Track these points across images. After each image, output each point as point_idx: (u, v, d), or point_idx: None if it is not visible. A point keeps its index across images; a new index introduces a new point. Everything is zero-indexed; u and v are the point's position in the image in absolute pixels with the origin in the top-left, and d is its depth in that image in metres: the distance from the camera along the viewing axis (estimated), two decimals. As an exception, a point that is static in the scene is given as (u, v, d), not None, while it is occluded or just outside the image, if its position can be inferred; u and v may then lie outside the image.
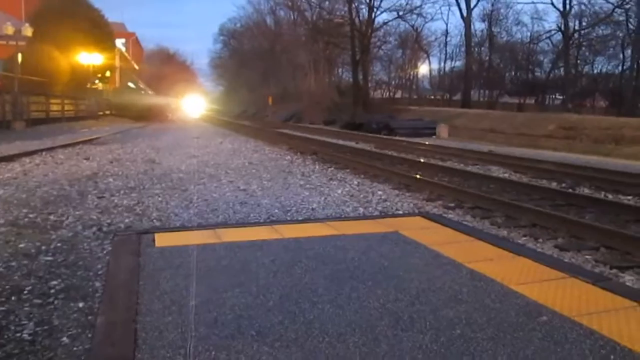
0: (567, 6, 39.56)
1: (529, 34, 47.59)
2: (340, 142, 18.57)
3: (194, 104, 49.92)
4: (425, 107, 38.97)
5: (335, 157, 12.04)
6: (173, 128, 25.69)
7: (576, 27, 41.10)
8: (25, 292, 3.45)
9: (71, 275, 3.81)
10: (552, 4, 40.51)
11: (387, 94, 56.81)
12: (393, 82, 57.50)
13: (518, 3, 50.02)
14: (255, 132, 21.96)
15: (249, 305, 3.19)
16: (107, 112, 34.63)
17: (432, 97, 55.61)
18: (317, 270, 3.86)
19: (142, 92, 55.74)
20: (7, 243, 4.52)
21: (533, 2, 44.59)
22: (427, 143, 18.07)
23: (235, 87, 67.05)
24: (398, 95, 56.62)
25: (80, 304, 3.29)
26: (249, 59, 61.06)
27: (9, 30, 20.87)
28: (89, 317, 3.10)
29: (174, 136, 19.01)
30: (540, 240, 5.37)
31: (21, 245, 4.46)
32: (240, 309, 3.14)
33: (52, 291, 3.49)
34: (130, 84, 56.53)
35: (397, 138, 21.11)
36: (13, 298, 3.33)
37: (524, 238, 5.45)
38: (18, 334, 2.84)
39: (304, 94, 47.68)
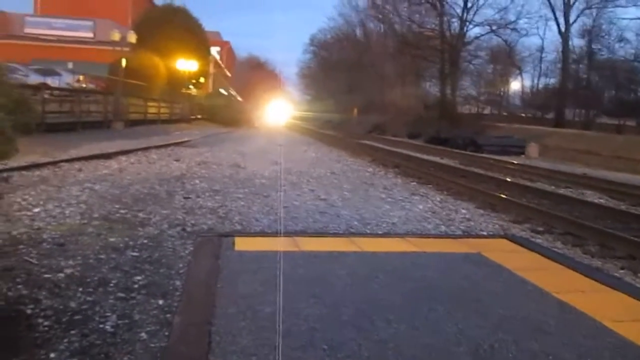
0: (679, 22, 36.76)
1: (632, 51, 44.60)
2: (424, 156, 18.23)
3: (280, 112, 51.03)
4: (514, 124, 37.50)
5: (419, 172, 11.81)
6: (259, 134, 26.36)
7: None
8: (111, 284, 3.61)
9: (154, 272, 3.95)
10: (662, 20, 37.81)
11: (475, 109, 55.26)
12: (482, 98, 55.84)
13: (623, 19, 46.90)
14: (339, 142, 22.06)
15: (323, 318, 3.14)
16: (199, 116, 36.15)
17: (523, 114, 53.43)
18: (394, 287, 3.75)
19: (232, 98, 57.81)
20: (99, 236, 4.77)
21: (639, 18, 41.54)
22: (515, 162, 17.34)
23: (322, 97, 67.86)
24: (487, 111, 54.86)
25: (160, 301, 3.38)
26: (336, 70, 61.62)
27: (116, 36, 22.40)
28: (167, 315, 3.17)
29: (259, 142, 19.49)
30: (640, 274, 4.95)
31: (111, 240, 4.69)
32: (313, 320, 3.10)
33: (136, 286, 3.62)
34: (222, 90, 58.77)
35: (483, 155, 20.44)
36: (100, 289, 3.49)
37: (621, 271, 5.04)
38: (101, 325, 2.95)
39: (389, 105, 47.39)
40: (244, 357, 2.61)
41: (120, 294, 3.44)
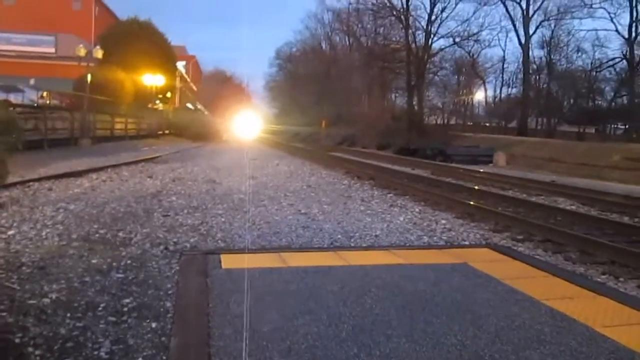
0: (633, 33, 38.17)
1: (589, 61, 46.13)
2: (396, 167, 18.39)
3: (248, 126, 50.84)
4: (480, 134, 38.25)
5: (393, 183, 11.88)
6: (229, 149, 26.17)
7: (642, 55, 39.52)
8: (100, 308, 3.50)
9: (142, 293, 3.85)
10: (617, 31, 39.25)
11: (442, 120, 56.20)
12: (447, 108, 56.87)
13: (580, 30, 48.60)
14: (310, 155, 22.06)
15: (322, 335, 3.11)
16: (167, 131, 35.70)
17: (487, 124, 54.59)
18: (388, 301, 3.75)
19: (200, 112, 57.33)
20: (81, 258, 4.63)
21: (597, 30, 43.11)
22: (484, 171, 17.65)
23: (289, 110, 68.00)
24: (452, 121, 55.89)
25: (153, 324, 3.29)
26: (303, 83, 61.92)
27: (82, 52, 21.97)
28: (162, 338, 3.09)
29: (231, 157, 19.34)
30: (622, 279, 5.05)
31: (94, 261, 4.56)
32: (313, 338, 3.06)
33: (125, 309, 3.51)
34: (189, 105, 58.28)
35: (453, 165, 20.73)
36: (89, 314, 3.38)
37: (603, 276, 5.15)
38: (95, 352, 2.85)
39: (357, 117, 47.74)
40: (248, 379, 2.56)
41: (111, 318, 3.34)
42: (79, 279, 4.04)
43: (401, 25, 41.35)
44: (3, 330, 3.02)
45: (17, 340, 2.91)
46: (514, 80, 51.30)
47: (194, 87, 67.30)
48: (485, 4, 40.71)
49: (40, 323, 3.17)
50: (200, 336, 3.07)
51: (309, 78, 61.10)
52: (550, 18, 42.82)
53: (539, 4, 41.26)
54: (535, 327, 3.35)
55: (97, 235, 5.55)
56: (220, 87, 64.34)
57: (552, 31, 45.18)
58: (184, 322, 3.33)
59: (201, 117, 50.35)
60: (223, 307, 3.52)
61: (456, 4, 39.73)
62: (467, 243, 6.15)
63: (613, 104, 46.07)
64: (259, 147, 29.54)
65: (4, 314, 3.27)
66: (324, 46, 63.89)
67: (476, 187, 12.19)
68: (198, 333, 3.13)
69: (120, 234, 5.66)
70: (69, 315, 3.33)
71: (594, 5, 39.03)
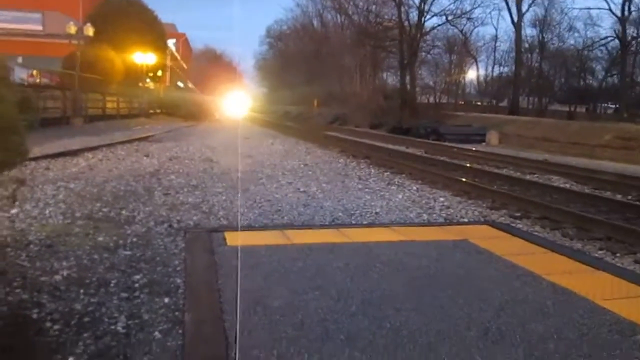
0: (626, 12, 38.21)
1: (581, 40, 46.17)
2: (390, 146, 18.44)
3: (239, 105, 50.55)
4: (472, 112, 38.36)
5: (389, 162, 11.95)
6: (222, 128, 26.08)
7: (634, 34, 39.63)
8: (112, 285, 3.54)
9: (151, 270, 3.89)
10: (610, 10, 39.25)
11: (433, 98, 56.21)
12: (439, 87, 56.84)
13: (573, 9, 48.50)
14: (303, 134, 22.04)
15: (332, 309, 3.19)
16: (158, 110, 35.42)
17: (479, 102, 54.70)
18: (393, 276, 3.83)
19: (191, 92, 56.85)
20: (87, 236, 4.66)
21: (589, 9, 43.03)
22: (478, 150, 17.76)
23: (279, 89, 67.63)
24: (444, 100, 55.91)
25: (166, 300, 3.34)
26: (294, 61, 61.49)
27: (72, 29, 21.62)
28: (176, 313, 3.15)
29: (224, 136, 19.29)
30: (619, 254, 5.18)
31: (100, 239, 4.59)
32: (323, 312, 3.14)
33: (137, 285, 3.56)
34: (180, 84, 57.76)
35: (446, 144, 20.83)
36: (101, 290, 3.43)
37: (600, 252, 5.27)
38: (112, 327, 2.91)
39: (349, 96, 47.63)
40: (265, 351, 2.63)
41: (124, 294, 3.39)
42: (87, 257, 4.08)
43: (394, 3, 41.03)
44: (19, 306, 3.07)
45: (34, 316, 2.96)
46: (506, 59, 51.35)
47: (185, 66, 66.64)
48: (478, -18, 40.46)
49: (54, 299, 3.22)
50: (213, 311, 3.14)
51: (299, 56, 60.67)
52: (543, -4, 42.67)
53: (532, -19, 41.07)
54: (538, 300, 3.45)
55: (100, 213, 5.57)
56: (211, 65, 63.79)
57: (545, 9, 45.13)
58: (196, 298, 3.39)
59: (192, 96, 49.95)
60: (233, 283, 3.58)
61: (449, -18, 39.47)
62: (466, 220, 6.25)
63: (604, 83, 46.30)
64: (251, 126, 29.46)
65: (18, 290, 3.31)
66: (315, 24, 63.32)
67: (471, 166, 12.30)
68: (211, 308, 3.19)
69: (124, 212, 5.68)
70: (82, 291, 3.38)
71: (587, -16, 38.85)
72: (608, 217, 6.54)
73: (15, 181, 3.61)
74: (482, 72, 54.15)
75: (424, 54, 46.36)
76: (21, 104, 2.36)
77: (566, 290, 3.66)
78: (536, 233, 5.79)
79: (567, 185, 9.89)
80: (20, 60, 28.33)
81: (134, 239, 4.66)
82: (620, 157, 17.91)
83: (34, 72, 22.83)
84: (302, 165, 10.51)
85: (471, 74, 54.94)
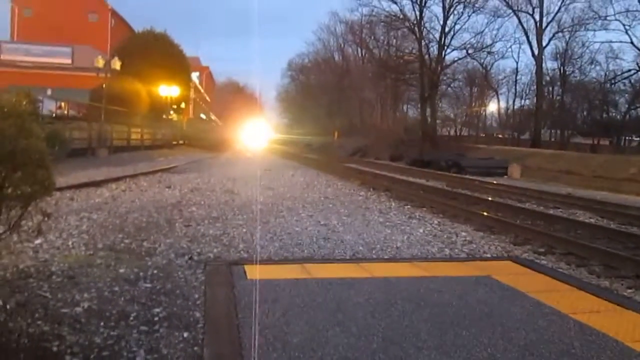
0: (648, 45, 37.91)
1: (603, 73, 45.85)
2: (411, 179, 18.38)
3: (261, 136, 51.15)
4: (493, 145, 38.16)
5: (410, 195, 11.89)
6: (243, 159, 26.31)
7: (657, 67, 39.23)
8: (132, 318, 3.55)
9: (171, 303, 3.89)
10: (632, 43, 39.00)
11: (454, 131, 56.14)
12: (460, 120, 56.80)
13: (594, 42, 48.34)
14: (324, 166, 22.11)
15: (353, 346, 3.13)
16: (181, 141, 36.00)
17: (500, 135, 54.43)
18: (415, 313, 3.76)
19: (213, 123, 57.74)
20: (108, 267, 4.69)
21: (611, 42, 42.78)
22: (499, 183, 17.58)
23: (301, 120, 68.31)
24: (465, 132, 55.78)
25: (185, 334, 3.33)
26: (315, 93, 62.23)
27: (100, 62, 22.27)
28: (195, 348, 3.13)
29: (245, 167, 19.44)
30: (648, 293, 5.03)
31: (121, 271, 4.62)
32: (344, 349, 3.08)
33: (156, 319, 3.56)
34: (202, 115, 58.74)
35: (467, 177, 20.68)
36: (121, 323, 3.43)
37: (629, 290, 5.12)
38: (131, 361, 2.90)
39: (370, 128, 47.89)
40: (284, 390, 2.58)
41: (143, 327, 3.38)
42: (108, 289, 4.10)
43: (414, 37, 41.40)
44: (40, 338, 3.08)
45: (54, 349, 2.96)
46: (527, 92, 51.11)
47: (207, 98, 67.87)
48: (498, 16, 40.64)
49: (75, 332, 3.22)
50: (232, 347, 3.11)
51: (321, 89, 61.40)
52: (564, 30, 42.66)
53: (552, 15, 41.14)
54: (565, 341, 3.34)
55: (122, 244, 5.62)
56: (233, 97, 64.88)
57: (566, 43, 44.98)
58: (215, 333, 3.37)
59: (214, 127, 50.77)
60: (252, 317, 3.55)
61: (469, 16, 39.67)
62: (488, 256, 6.15)
63: (627, 116, 45.72)
64: (272, 158, 29.65)
65: (40, 322, 3.33)
66: (336, 57, 64.18)
67: (493, 200, 12.16)
68: (230, 344, 3.16)
69: (145, 243, 5.72)
70: (102, 324, 3.38)
71: (608, 18, 38.76)
72: (636, 254, 6.37)
73: (41, 213, 3.65)
74: (503, 104, 53.99)
75: (444, 86, 46.52)
76: (50, 137, 2.41)
77: (594, 330, 3.55)
78: (561, 270, 5.66)
79: (593, 221, 9.69)
80: (49, 92, 29.16)
81: (155, 271, 4.68)
82: (647, 191, 17.54)
83: (62, 104, 23.44)
84: (322, 198, 10.51)
85: (492, 107, 54.83)
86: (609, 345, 3.30)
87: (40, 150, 2.20)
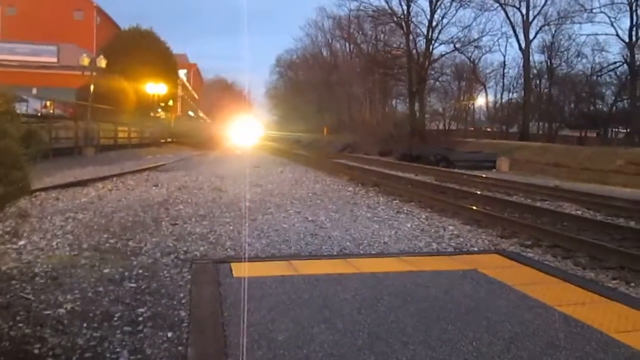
0: (634, 37, 38.21)
1: (590, 65, 46.12)
2: (400, 173, 18.39)
3: (250, 133, 50.96)
4: (482, 139, 38.28)
5: (398, 190, 11.89)
6: (232, 156, 26.20)
7: (643, 59, 39.51)
8: (115, 318, 3.51)
9: (156, 303, 3.86)
10: (618, 35, 39.29)
11: (443, 125, 56.29)
12: (448, 114, 56.95)
13: (580, 35, 48.49)
14: (313, 162, 22.08)
15: (338, 343, 3.12)
16: (169, 139, 35.78)
17: (489, 129, 54.64)
18: (402, 308, 3.76)
19: (201, 120, 57.47)
20: (92, 268, 4.64)
21: (597, 34, 42.99)
22: (488, 176, 17.65)
23: (290, 117, 68.28)
24: (453, 126, 55.94)
25: (169, 334, 3.30)
26: (304, 90, 62.16)
27: (85, 61, 22.06)
28: (179, 348, 3.10)
29: (234, 165, 19.37)
30: (633, 284, 5.05)
31: (105, 271, 4.57)
32: (329, 347, 3.07)
33: (141, 319, 3.53)
34: (190, 113, 58.43)
35: (456, 170, 20.74)
36: (105, 324, 3.39)
37: (614, 281, 5.15)
38: (114, 362, 2.87)
39: (358, 124, 47.91)
40: (268, 388, 2.57)
41: (127, 328, 3.35)
42: (92, 289, 4.06)
43: (402, 32, 41.43)
44: (21, 341, 3.04)
45: (35, 352, 2.92)
46: (515, 85, 51.29)
47: (196, 95, 67.52)
48: (485, 10, 40.76)
49: (57, 333, 3.18)
50: (217, 346, 3.08)
51: (309, 85, 61.33)
52: (550, 23, 42.85)
53: (538, 9, 41.31)
54: (550, 333, 3.36)
55: (107, 244, 5.56)
56: (221, 95, 64.57)
57: (553, 36, 45.21)
58: (200, 332, 3.34)
59: (203, 125, 50.51)
60: (238, 316, 3.53)
61: (457, 10, 39.75)
62: (475, 249, 6.16)
63: (614, 108, 46.10)
64: (261, 155, 29.57)
65: (21, 324, 3.29)
66: (324, 53, 64.11)
67: (481, 193, 12.20)
68: (215, 342, 3.14)
69: (131, 243, 5.67)
70: (85, 325, 3.34)
71: (594, 10, 39.04)
72: (621, 245, 6.41)
73: (17, 215, 3.61)
74: (491, 98, 54.18)
75: (432, 81, 46.60)
76: (26, 137, 2.37)
77: (579, 322, 3.57)
78: (547, 262, 5.68)
79: (579, 213, 9.75)
80: (35, 91, 28.89)
81: (140, 271, 4.64)
82: (633, 182, 17.69)
83: (48, 103, 23.19)
84: (310, 194, 10.49)
85: (480, 101, 54.98)
86: (594, 337, 3.32)
87: (14, 152, 2.16)
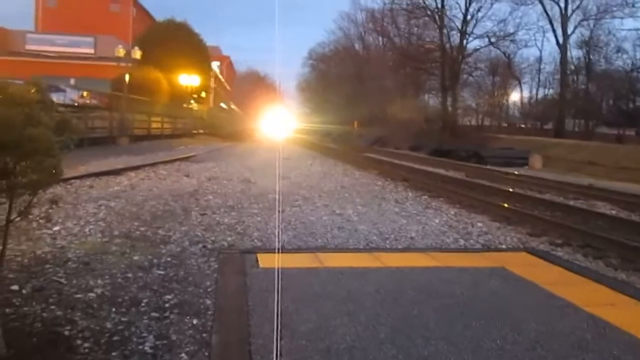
0: (677, 33, 36.98)
1: (630, 61, 44.73)
2: (430, 169, 18.24)
3: (280, 125, 51.21)
4: (515, 135, 37.59)
5: (427, 185, 11.81)
6: (262, 148, 26.37)
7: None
8: (143, 304, 3.60)
9: (183, 290, 3.94)
10: (660, 30, 38.04)
11: (475, 121, 55.47)
12: (481, 109, 56.04)
13: (621, 30, 47.11)
14: (343, 155, 22.06)
15: (360, 336, 3.14)
16: (201, 130, 36.21)
17: (523, 125, 53.61)
18: (425, 303, 3.75)
19: (233, 112, 57.98)
20: (123, 255, 4.76)
21: (638, 30, 41.65)
22: (520, 173, 17.36)
23: (321, 110, 68.15)
24: (486, 122, 55.06)
25: (195, 321, 3.37)
26: (335, 83, 61.94)
27: (121, 52, 22.50)
28: (204, 335, 3.16)
29: (263, 156, 19.49)
30: (666, 287, 4.92)
31: (135, 258, 4.68)
32: (351, 339, 3.09)
33: (167, 305, 3.60)
34: (223, 105, 58.98)
35: (487, 167, 20.46)
36: (133, 309, 3.48)
37: (647, 283, 5.03)
38: (140, 347, 2.94)
39: (389, 118, 47.53)
40: (289, 378, 2.60)
41: (154, 314, 3.43)
42: (122, 275, 4.16)
43: (435, 26, 40.92)
44: (53, 323, 3.14)
45: (66, 333, 3.02)
46: (551, 81, 50.12)
47: (228, 87, 68.11)
48: (522, 4, 39.85)
49: (87, 317, 3.28)
50: (241, 334, 3.14)
51: (341, 78, 61.07)
52: (590, 17, 41.66)
53: (577, 3, 40.19)
54: (577, 333, 3.30)
55: (137, 232, 5.69)
56: (253, 87, 64.96)
57: (591, 31, 43.94)
58: (225, 320, 3.40)
59: (234, 117, 50.96)
60: (262, 306, 3.58)
61: (492, 4, 39.01)
62: (504, 247, 6.09)
63: (655, 105, 44.67)
64: (291, 147, 29.68)
65: (53, 307, 3.40)
66: (356, 46, 63.73)
67: (512, 190, 12.01)
68: (238, 331, 3.19)
69: (160, 231, 5.79)
70: (114, 309, 3.44)
71: (636, 5, 37.81)
72: (656, 247, 6.24)
73: (49, 202, 3.72)
74: (526, 94, 53.11)
75: (465, 75, 45.85)
76: (59, 126, 2.45)
77: (607, 323, 3.49)
78: (577, 262, 5.57)
79: (613, 212, 9.52)
80: (72, 82, 29.59)
81: (168, 259, 4.74)
82: (672, 183, 17.13)
83: (84, 93, 23.75)
84: (338, 188, 10.50)
85: (515, 96, 53.95)
86: (622, 339, 3.25)
87: (47, 139, 2.23)
